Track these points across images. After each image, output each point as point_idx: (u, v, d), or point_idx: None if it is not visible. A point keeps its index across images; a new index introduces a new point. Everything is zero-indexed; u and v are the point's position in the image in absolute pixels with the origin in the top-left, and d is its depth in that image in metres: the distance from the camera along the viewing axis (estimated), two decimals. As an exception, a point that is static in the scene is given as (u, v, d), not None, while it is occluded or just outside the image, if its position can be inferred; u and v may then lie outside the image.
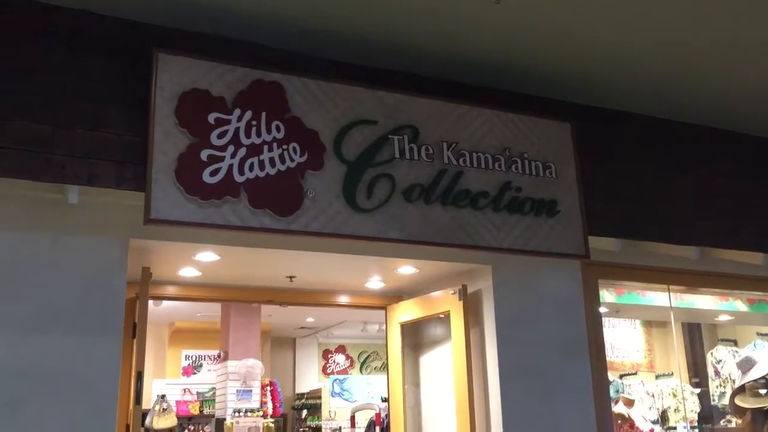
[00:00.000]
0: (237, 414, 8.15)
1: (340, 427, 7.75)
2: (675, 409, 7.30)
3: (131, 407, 4.05)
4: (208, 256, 4.38)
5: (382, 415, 6.17)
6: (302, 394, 12.31)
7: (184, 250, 4.26)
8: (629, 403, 5.66)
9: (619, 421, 5.38)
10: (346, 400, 11.39)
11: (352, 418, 6.63)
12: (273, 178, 3.69)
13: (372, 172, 3.96)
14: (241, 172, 3.62)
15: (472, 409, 4.58)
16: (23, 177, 3.31)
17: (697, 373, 7.87)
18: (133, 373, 4.04)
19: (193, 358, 10.60)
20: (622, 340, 8.17)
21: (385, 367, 7.48)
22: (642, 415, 5.78)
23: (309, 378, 12.70)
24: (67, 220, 3.71)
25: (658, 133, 5.09)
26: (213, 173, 3.56)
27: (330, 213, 3.80)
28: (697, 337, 8.03)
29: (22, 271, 3.59)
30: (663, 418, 7.15)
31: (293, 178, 3.75)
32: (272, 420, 8.44)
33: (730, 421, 6.79)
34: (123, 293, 3.79)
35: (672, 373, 7.48)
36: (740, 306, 6.81)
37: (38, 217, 3.67)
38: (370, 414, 6.96)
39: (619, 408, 5.47)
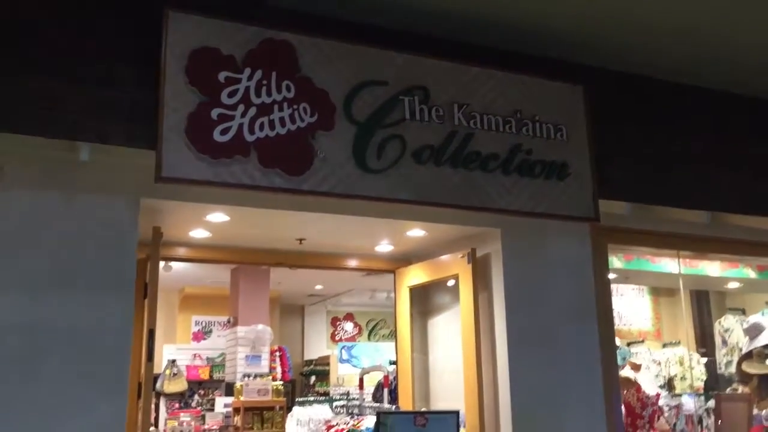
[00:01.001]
0: (246, 378, 8.24)
1: (348, 392, 7.82)
2: (681, 377, 7.33)
3: (143, 365, 4.10)
4: (218, 216, 4.39)
5: (391, 377, 6.22)
6: (311, 361, 12.43)
7: (194, 211, 4.27)
8: (636, 367, 5.69)
9: (626, 386, 5.40)
10: (354, 366, 11.49)
11: (361, 381, 6.68)
12: (283, 138, 3.69)
13: (382, 133, 3.95)
14: (252, 132, 3.62)
15: (480, 372, 4.62)
16: (35, 134, 3.33)
17: (705, 343, 7.88)
18: (145, 331, 4.09)
19: (203, 324, 10.70)
20: (630, 308, 8.18)
21: (392, 335, 7.54)
22: (649, 379, 5.81)
23: (317, 345, 12.82)
24: (78, 179, 3.73)
25: (671, 96, 5.05)
26: (223, 132, 3.56)
27: (340, 173, 3.80)
28: (705, 306, 8.04)
29: (35, 230, 3.62)
30: (669, 385, 7.19)
31: (303, 138, 3.74)
32: (281, 383, 8.52)
33: (736, 389, 6.82)
34: (134, 252, 3.82)
35: (679, 342, 7.50)
36: (750, 273, 6.80)
37: (50, 176, 3.69)
38: (378, 376, 7.03)
39: (626, 372, 5.50)
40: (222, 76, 3.61)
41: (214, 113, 3.55)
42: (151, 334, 4.02)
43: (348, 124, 3.86)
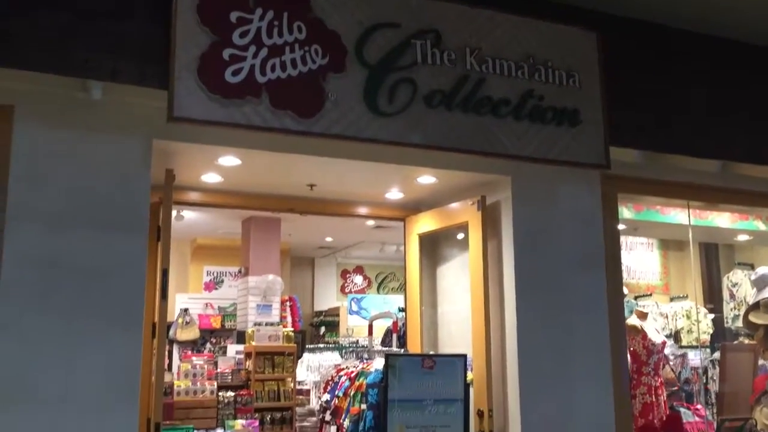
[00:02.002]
0: (258, 325, 8.37)
1: (357, 341, 7.95)
2: (688, 331, 7.40)
3: (157, 305, 4.17)
4: (230, 160, 4.42)
5: (399, 324, 6.31)
6: (320, 312, 12.59)
7: (206, 153, 4.30)
8: (642, 316, 5.74)
9: (632, 334, 5.47)
10: (364, 318, 11.63)
11: (370, 327, 6.79)
12: (294, 80, 3.70)
13: (394, 76, 3.94)
14: (263, 73, 3.63)
15: (488, 317, 4.68)
16: (46, 70, 3.34)
17: (712, 297, 7.93)
18: (159, 271, 4.15)
19: (215, 274, 10.82)
20: (639, 262, 8.22)
21: (401, 288, 7.64)
22: (655, 327, 5.86)
23: (327, 297, 12.96)
24: (91, 118, 3.75)
25: (685, 45, 4.99)
26: (235, 73, 3.57)
27: (351, 116, 3.81)
28: (713, 260, 8.06)
29: (48, 169, 3.66)
30: (675, 338, 7.25)
31: (315, 80, 3.75)
32: (291, 330, 8.65)
33: (743, 342, 6.88)
34: (147, 193, 3.86)
35: (686, 296, 7.54)
36: (760, 225, 6.79)
37: (63, 116, 3.71)
38: (387, 325, 7.14)
39: (632, 320, 5.56)
40: (234, 16, 3.60)
41: (226, 53, 3.56)
42: (165, 273, 4.09)
43: (359, 66, 3.86)
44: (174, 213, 7.39)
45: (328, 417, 5.55)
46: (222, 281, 10.82)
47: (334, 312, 12.28)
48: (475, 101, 4.11)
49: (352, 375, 5.33)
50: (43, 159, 3.65)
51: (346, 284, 13.27)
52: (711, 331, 7.44)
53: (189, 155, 4.31)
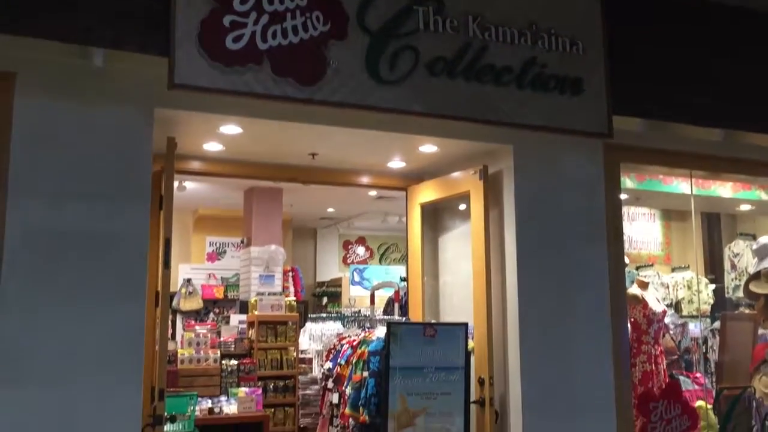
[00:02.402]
0: (260, 295, 8.43)
1: (359, 312, 8.00)
2: (689, 301, 7.42)
3: (160, 273, 4.19)
4: (231, 128, 4.41)
5: (401, 293, 6.34)
6: (323, 282, 12.65)
7: (208, 122, 4.29)
8: (643, 285, 5.77)
9: (633, 303, 5.49)
10: (366, 288, 11.69)
11: (372, 296, 6.83)
12: (296, 47, 3.67)
13: (396, 43, 3.92)
14: (264, 40, 3.61)
15: (489, 286, 4.70)
16: (48, 37, 3.33)
17: (714, 268, 7.94)
18: (161, 240, 4.17)
19: (217, 245, 10.87)
20: (641, 233, 8.22)
21: (403, 259, 7.67)
22: (655, 297, 5.89)
23: (329, 267, 13.02)
24: (93, 86, 3.74)
25: (689, 13, 4.93)
26: (236, 39, 3.55)
27: (353, 84, 3.80)
28: (715, 230, 8.06)
29: (50, 137, 3.66)
30: (676, 309, 7.28)
31: (316, 47, 3.72)
32: (294, 299, 8.71)
33: (743, 312, 6.91)
34: (149, 161, 3.87)
35: (688, 266, 7.55)
36: (762, 195, 6.79)
37: (64, 83, 3.70)
38: (389, 294, 7.18)
39: (633, 290, 5.58)
40: (234, -19, 3.57)
41: (227, 20, 3.54)
42: (168, 242, 4.10)
43: (361, 33, 3.83)
44: (176, 184, 7.39)
45: (330, 384, 5.61)
46: (224, 252, 10.87)
47: (337, 283, 12.34)
48: (477, 69, 4.09)
49: (354, 343, 5.38)
50: (44, 127, 3.65)
51: (348, 255, 13.32)
52: (711, 302, 7.46)
53: (190, 124, 4.31)
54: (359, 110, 3.92)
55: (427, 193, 5.50)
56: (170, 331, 8.72)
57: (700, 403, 5.47)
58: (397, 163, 5.34)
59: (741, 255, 7.76)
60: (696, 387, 5.84)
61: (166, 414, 3.97)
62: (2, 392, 3.41)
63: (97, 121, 3.75)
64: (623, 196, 5.38)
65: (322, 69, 3.72)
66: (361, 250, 13.41)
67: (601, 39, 4.46)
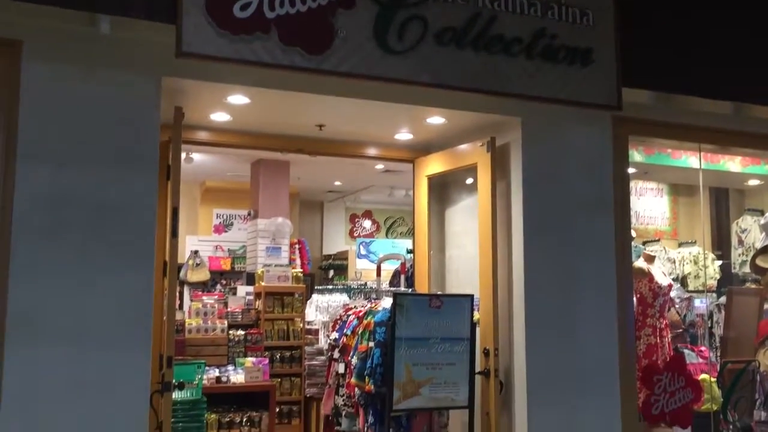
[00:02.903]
0: (267, 266, 8.46)
1: (365, 283, 8.02)
2: (695, 276, 7.42)
3: (168, 242, 4.21)
4: (238, 99, 4.40)
5: (408, 265, 6.36)
6: (329, 255, 12.68)
7: (215, 92, 4.28)
8: (650, 258, 5.76)
9: (639, 277, 5.50)
10: (372, 261, 11.71)
11: (378, 268, 6.86)
12: (303, 16, 3.66)
13: (404, 13, 3.89)
14: (272, 8, 3.59)
15: (495, 258, 4.70)
16: (56, 4, 3.31)
17: (721, 243, 7.92)
18: (169, 209, 4.18)
19: (224, 217, 10.88)
20: (648, 208, 8.20)
21: (410, 233, 7.68)
22: (662, 271, 5.90)
23: (336, 240, 13.03)
24: (99, 54, 3.74)
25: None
26: (243, 8, 3.54)
27: (361, 53, 3.78)
28: (723, 205, 8.03)
29: (56, 104, 3.66)
30: (682, 284, 7.28)
31: (324, 16, 3.70)
32: (300, 271, 8.74)
33: (750, 287, 6.90)
34: (157, 130, 3.87)
35: (695, 242, 7.55)
36: (771, 169, 6.76)
37: (71, 51, 3.69)
38: (395, 266, 7.20)
39: (639, 263, 5.58)
40: (241, -52, 3.54)
41: (234, -12, 3.51)
42: (175, 212, 4.11)
43: (369, 2, 3.81)
44: (183, 155, 7.39)
45: (336, 354, 5.66)
46: (231, 224, 10.89)
47: (343, 256, 12.36)
48: (486, 39, 4.06)
49: (360, 314, 5.41)
50: (52, 95, 3.65)
51: (354, 228, 13.33)
52: (718, 277, 7.46)
53: (198, 93, 4.30)
54: (367, 80, 3.90)
55: (434, 165, 5.49)
56: (178, 302, 8.78)
57: (704, 376, 5.50)
58: (404, 135, 5.32)
59: (748, 230, 7.73)
60: (700, 360, 5.87)
61: (174, 381, 4.01)
62: (16, 352, 3.46)
63: (105, 90, 3.75)
64: (631, 170, 5.36)
65: (329, 38, 3.70)
66: (367, 224, 13.41)
67: (612, 9, 4.41)
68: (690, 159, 6.26)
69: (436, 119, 4.91)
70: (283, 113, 4.79)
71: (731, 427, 5.35)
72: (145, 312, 3.76)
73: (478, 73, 4.06)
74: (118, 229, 3.72)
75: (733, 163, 6.59)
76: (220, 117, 4.78)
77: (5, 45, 3.56)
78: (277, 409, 7.52)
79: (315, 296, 8.02)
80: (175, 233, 4.09)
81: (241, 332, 7.85)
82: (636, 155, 5.94)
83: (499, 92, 4.13)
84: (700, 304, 6.59)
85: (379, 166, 8.67)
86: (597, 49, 4.34)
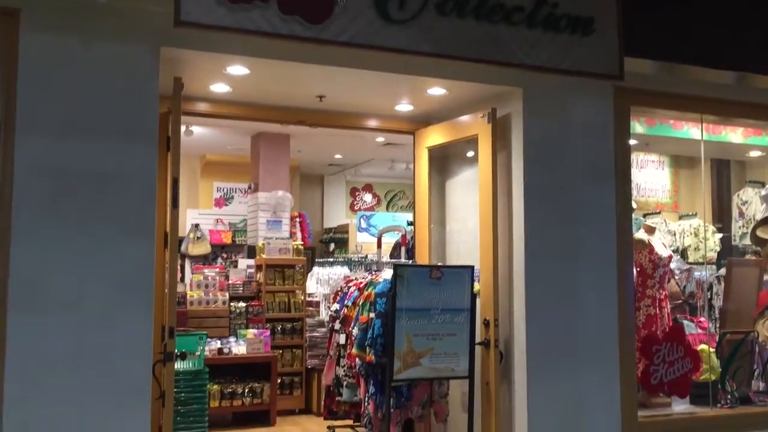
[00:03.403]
0: (268, 239, 8.48)
1: (366, 256, 8.04)
2: (695, 248, 7.43)
3: (169, 213, 4.21)
4: (238, 69, 4.37)
5: (408, 237, 6.37)
6: (330, 229, 12.69)
7: (214, 62, 4.25)
8: (650, 230, 5.76)
9: (639, 248, 5.50)
10: (372, 235, 11.72)
11: (379, 240, 6.88)
12: (303, -16, 3.62)
13: (405, -19, 3.85)
14: (271, -24, 3.55)
15: (495, 229, 4.70)
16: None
17: (722, 216, 7.93)
18: (169, 180, 4.18)
19: (225, 191, 10.87)
20: (649, 180, 8.18)
21: (411, 206, 7.68)
22: (662, 242, 5.90)
23: (337, 214, 13.02)
24: (98, 23, 3.72)
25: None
26: (242, -24, 3.50)
27: (361, 23, 3.76)
28: (724, 177, 8.02)
29: (54, 75, 3.65)
30: (682, 256, 7.29)
31: (324, -16, 3.67)
32: (301, 244, 8.76)
33: (750, 258, 6.91)
34: (156, 98, 3.86)
35: (695, 214, 7.55)
36: (773, 140, 6.74)
37: (69, 21, 3.67)
38: (396, 239, 7.22)
39: (639, 234, 5.58)
40: None
41: (233, -45, 3.47)
42: (176, 182, 4.11)
43: (370, -30, 3.76)
44: (183, 128, 7.37)
45: (337, 326, 5.69)
46: (232, 197, 10.88)
47: (344, 229, 12.36)
48: (487, 8, 4.03)
49: (361, 285, 5.43)
50: (50, 64, 3.64)
51: (355, 202, 13.31)
52: (718, 249, 7.47)
53: (197, 64, 4.27)
54: (367, 50, 3.88)
55: (435, 136, 5.47)
56: (179, 275, 8.82)
57: (703, 346, 5.53)
58: (404, 107, 5.30)
59: (749, 203, 7.73)
60: (699, 331, 5.90)
61: (176, 351, 4.04)
62: (19, 319, 3.48)
63: (103, 59, 3.73)
64: (633, 142, 5.35)
65: (329, 7, 3.67)
66: (368, 197, 13.40)
67: (614, -22, 4.37)
68: (692, 130, 6.24)
69: (437, 90, 4.88)
70: (283, 84, 4.76)
71: (729, 396, 5.40)
72: (147, 282, 3.78)
73: (480, 43, 4.03)
74: (119, 200, 3.72)
75: (735, 135, 6.56)
76: (219, 88, 4.76)
77: (3, 13, 3.54)
78: (279, 380, 7.59)
79: (316, 269, 8.05)
80: (175, 204, 4.09)
81: (242, 304, 7.89)
82: (637, 126, 5.91)
83: (501, 62, 4.11)
84: (700, 276, 6.61)
85: (380, 138, 8.64)
86: (599, 18, 4.31)
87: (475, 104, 5.02)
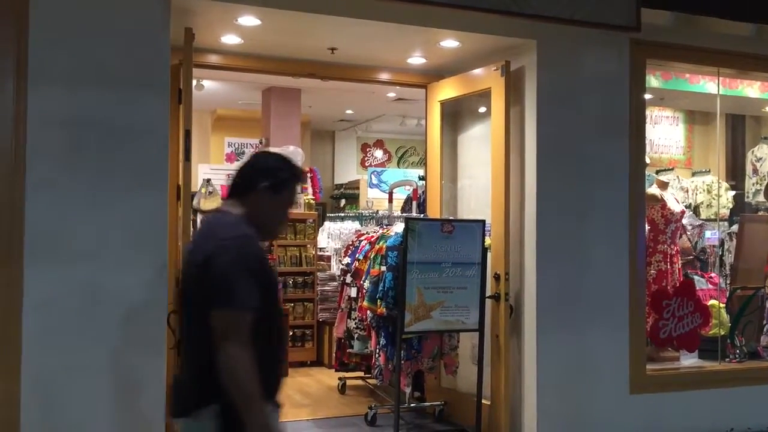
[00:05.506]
0: (279, 195, 8.48)
1: (377, 211, 8.05)
2: (707, 205, 7.39)
3: (181, 165, 4.22)
4: (249, 20, 4.33)
5: (420, 191, 6.36)
6: (341, 185, 12.68)
7: (225, 12, 4.20)
8: (663, 185, 5.73)
9: (651, 203, 5.48)
10: (383, 191, 11.72)
11: (390, 195, 6.87)
12: (315, -69, 3.56)
13: (418, -71, 3.78)
14: (282, -77, 3.49)
15: (508, 183, 4.69)
16: None
17: (735, 173, 7.86)
18: (181, 132, 4.18)
19: (236, 146, 10.86)
20: (663, 137, 8.11)
21: (422, 163, 7.63)
22: (674, 197, 5.87)
23: (347, 170, 13.00)
24: (108, -27, 3.68)
25: None
26: None
27: (374, -30, 3.70)
28: (739, 134, 7.93)
29: (65, 24, 3.63)
30: (695, 212, 7.27)
31: (336, -69, 3.60)
32: (312, 198, 8.77)
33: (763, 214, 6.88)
34: (167, 49, 3.83)
35: (709, 171, 7.49)
36: (790, 96, 6.64)
37: (79, -31, 3.64)
38: (407, 194, 7.22)
39: (652, 189, 5.56)
40: None
41: None
42: (188, 134, 4.11)
43: None
44: (194, 82, 7.33)
45: (348, 279, 5.74)
46: (243, 152, 10.87)
47: (355, 185, 12.35)
48: (502, -43, 3.95)
49: (372, 239, 5.45)
50: (61, 15, 3.61)
51: (366, 158, 13.27)
52: (731, 206, 7.43)
53: (208, 14, 4.23)
54: (380, 0, 3.81)
55: (447, 90, 5.43)
56: (192, 229, 8.87)
57: (713, 302, 5.55)
58: (417, 59, 5.24)
59: (764, 159, 7.65)
60: (710, 287, 5.91)
61: (189, 302, 4.07)
62: (34, 271, 3.52)
63: (114, 9, 3.70)
64: (648, 96, 5.28)
65: (342, -45, 3.61)
66: (379, 153, 13.35)
67: (633, -74, 4.26)
68: (708, 84, 6.15)
69: (450, 42, 4.82)
70: (295, 35, 4.71)
71: (738, 351, 5.43)
72: (161, 233, 3.81)
73: (494, -7, 3.97)
74: (131, 152, 3.73)
75: (751, 89, 6.47)
76: (230, 40, 4.72)
77: (14, -37, 3.50)
78: (291, 333, 7.67)
79: (327, 224, 8.07)
80: (188, 156, 4.10)
81: (254, 258, 7.92)
82: (653, 80, 5.84)
83: (515, 12, 4.05)
84: (712, 235, 6.59)
85: (391, 94, 8.57)
86: (616, -32, 4.22)
87: (488, 57, 4.96)
